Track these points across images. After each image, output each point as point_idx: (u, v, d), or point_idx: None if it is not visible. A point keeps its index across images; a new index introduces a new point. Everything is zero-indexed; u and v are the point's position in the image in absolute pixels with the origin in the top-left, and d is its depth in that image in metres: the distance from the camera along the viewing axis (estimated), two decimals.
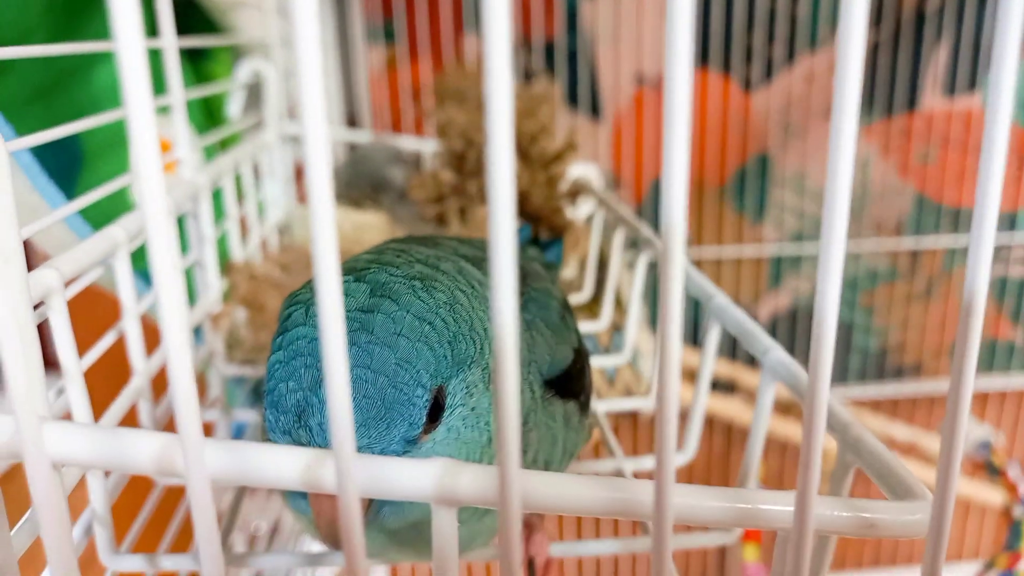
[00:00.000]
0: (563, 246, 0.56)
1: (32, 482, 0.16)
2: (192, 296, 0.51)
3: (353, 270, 0.26)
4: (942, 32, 1.11)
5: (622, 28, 1.09)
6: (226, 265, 0.50)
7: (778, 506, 0.17)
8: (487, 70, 0.13)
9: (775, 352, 0.31)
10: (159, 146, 0.14)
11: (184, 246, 0.49)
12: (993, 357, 1.27)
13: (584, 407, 0.33)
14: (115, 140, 0.53)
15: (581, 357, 0.33)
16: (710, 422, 1.26)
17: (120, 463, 0.18)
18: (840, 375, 1.28)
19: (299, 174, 0.81)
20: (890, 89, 1.14)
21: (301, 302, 0.25)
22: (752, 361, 1.26)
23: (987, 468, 1.21)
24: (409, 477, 0.18)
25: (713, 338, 0.37)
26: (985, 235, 0.16)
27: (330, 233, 0.14)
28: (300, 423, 0.22)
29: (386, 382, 0.22)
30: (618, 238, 0.54)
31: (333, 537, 0.22)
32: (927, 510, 0.20)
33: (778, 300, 1.23)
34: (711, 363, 0.38)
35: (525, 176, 0.62)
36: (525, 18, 1.08)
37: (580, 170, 0.72)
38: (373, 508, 0.24)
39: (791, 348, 1.26)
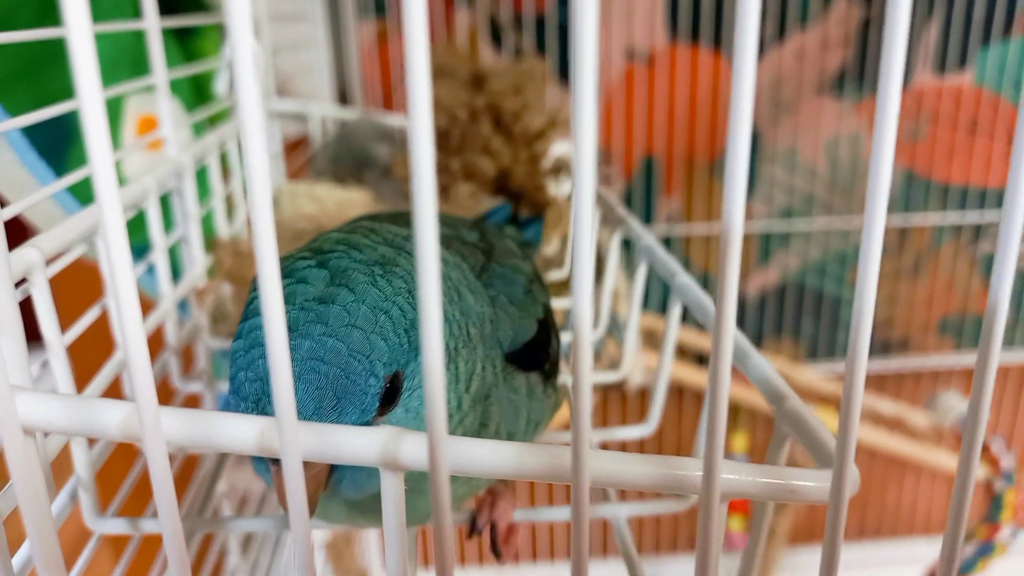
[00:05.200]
0: (543, 224, 0.58)
1: (5, 446, 0.18)
2: (178, 272, 0.52)
3: (320, 252, 0.27)
4: (933, 9, 1.11)
5: (613, 3, 1.09)
6: (211, 241, 0.52)
7: (693, 471, 0.19)
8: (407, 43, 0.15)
9: None
10: (108, 132, 0.16)
11: (169, 223, 0.50)
12: (979, 333, 1.28)
13: (549, 375, 0.34)
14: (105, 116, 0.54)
15: (546, 328, 0.35)
16: (680, 392, 1.28)
17: (88, 429, 0.19)
18: (828, 350, 1.29)
19: (287, 149, 0.82)
20: None
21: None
22: None
23: None
24: (355, 443, 0.19)
25: (675, 315, 0.39)
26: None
27: (269, 226, 0.15)
28: (258, 410, 0.23)
29: (339, 373, 0.23)
30: (595, 216, 0.56)
31: None
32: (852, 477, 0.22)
33: (767, 276, 1.25)
34: (673, 339, 0.39)
35: (507, 153, 0.63)
36: None
37: (564, 148, 0.73)
38: (333, 481, 0.25)
39: (779, 324, 1.27)
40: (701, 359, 1.25)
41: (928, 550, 1.38)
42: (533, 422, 0.33)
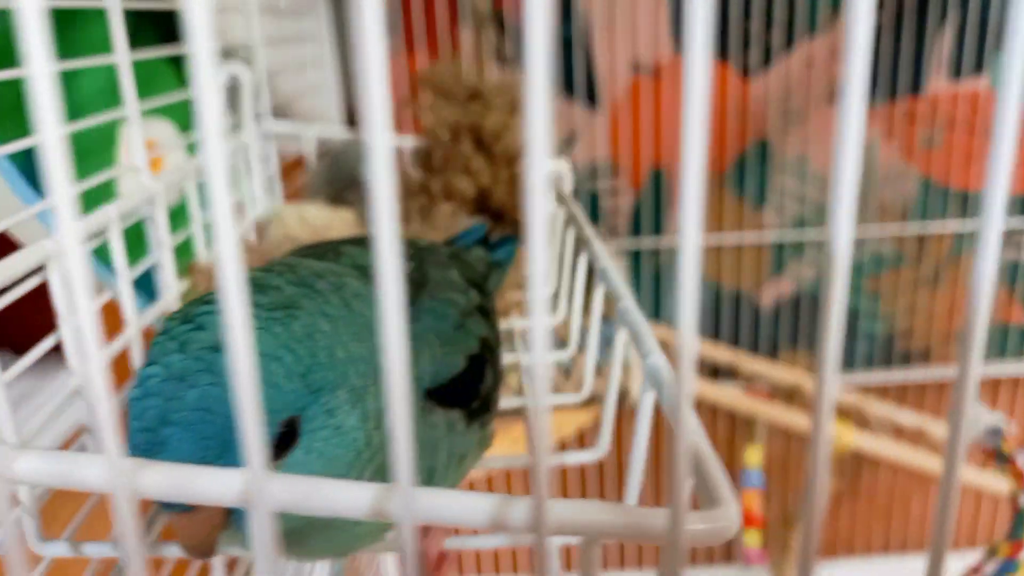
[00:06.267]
0: (516, 244, 0.58)
1: None
2: (154, 294, 0.53)
3: None
4: (947, 14, 1.09)
5: (617, 15, 1.09)
6: (188, 266, 0.53)
7: (519, 511, 0.19)
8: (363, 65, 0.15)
9: (655, 356, 0.33)
10: (69, 169, 0.16)
11: (144, 249, 0.51)
12: (1005, 343, 1.25)
13: (476, 413, 0.34)
14: (96, 145, 0.56)
15: (479, 364, 0.34)
16: (713, 409, 1.27)
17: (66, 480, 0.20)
18: (847, 361, 1.27)
19: (286, 169, 0.83)
20: (893, 73, 1.12)
21: (164, 331, 0.25)
22: (754, 347, 1.26)
23: (996, 456, 1.20)
24: (211, 484, 0.20)
25: (620, 341, 0.39)
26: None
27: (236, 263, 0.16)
28: (149, 458, 0.24)
29: (224, 422, 0.23)
30: (569, 237, 0.56)
31: (192, 550, 0.25)
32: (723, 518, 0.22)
33: (780, 287, 1.23)
34: (620, 363, 0.39)
35: (488, 173, 0.64)
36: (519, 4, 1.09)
37: (551, 166, 0.73)
38: (233, 519, 0.25)
39: (794, 334, 1.26)
40: (716, 372, 1.24)
41: (952, 564, 1.35)
42: (456, 456, 0.33)
